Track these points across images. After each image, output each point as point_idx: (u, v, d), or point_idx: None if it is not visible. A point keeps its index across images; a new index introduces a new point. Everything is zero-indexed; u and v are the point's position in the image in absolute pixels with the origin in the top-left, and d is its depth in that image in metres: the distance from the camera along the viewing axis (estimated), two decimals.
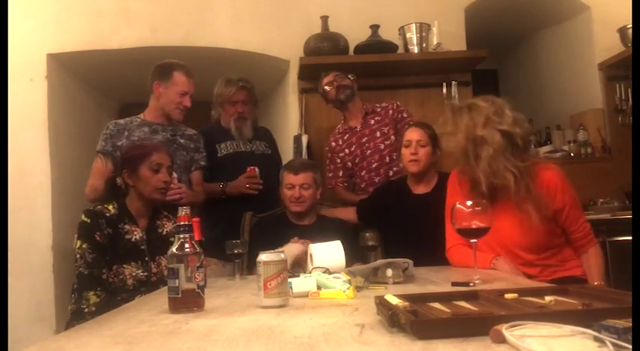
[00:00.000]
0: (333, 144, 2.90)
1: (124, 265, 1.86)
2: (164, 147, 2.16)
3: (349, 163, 2.84)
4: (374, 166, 2.75)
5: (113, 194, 2.01)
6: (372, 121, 2.82)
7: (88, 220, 1.86)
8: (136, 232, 1.93)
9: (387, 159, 2.72)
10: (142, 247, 1.92)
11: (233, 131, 2.74)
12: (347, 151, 2.84)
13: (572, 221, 1.82)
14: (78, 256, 1.82)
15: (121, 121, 2.46)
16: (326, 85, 2.83)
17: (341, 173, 2.87)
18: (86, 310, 1.73)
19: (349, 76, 2.83)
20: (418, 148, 2.28)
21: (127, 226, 1.92)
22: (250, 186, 2.62)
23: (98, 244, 1.83)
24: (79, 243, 1.84)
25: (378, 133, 2.77)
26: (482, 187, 1.73)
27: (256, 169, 2.64)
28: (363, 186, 2.77)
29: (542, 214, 1.73)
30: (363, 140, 2.79)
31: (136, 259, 1.89)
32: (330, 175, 2.90)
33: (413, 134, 2.32)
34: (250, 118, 2.78)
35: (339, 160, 2.87)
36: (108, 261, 1.84)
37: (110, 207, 1.93)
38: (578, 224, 1.82)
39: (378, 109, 2.85)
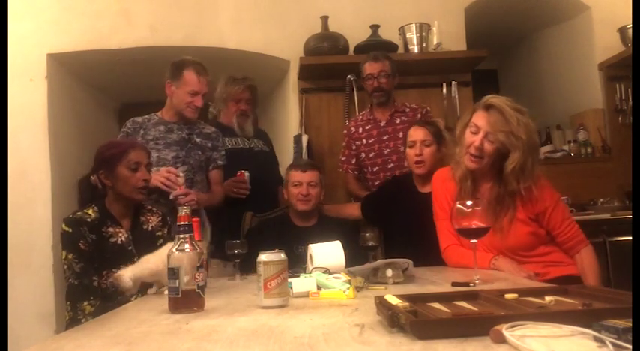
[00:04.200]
0: (353, 130, 2.86)
1: (114, 270, 1.79)
2: (141, 144, 2.11)
3: (363, 155, 2.80)
4: (390, 166, 2.71)
5: (91, 195, 1.94)
6: (398, 121, 2.78)
7: (70, 230, 1.80)
8: (120, 234, 1.88)
9: (406, 162, 2.65)
10: (129, 248, 1.87)
11: (235, 128, 2.76)
12: (365, 141, 2.80)
13: (556, 223, 1.81)
14: (65, 266, 1.78)
15: (139, 119, 2.44)
16: (367, 75, 2.75)
17: (354, 161, 2.84)
18: (83, 320, 1.69)
19: (394, 74, 2.75)
20: (423, 148, 2.26)
21: (110, 229, 1.86)
22: (237, 191, 2.61)
23: (84, 253, 1.78)
24: (64, 253, 1.78)
25: (400, 134, 2.70)
26: (468, 188, 1.80)
27: (245, 174, 2.63)
28: (377, 184, 2.73)
29: (529, 216, 1.79)
30: (384, 137, 2.75)
31: (124, 261, 1.82)
32: (343, 158, 2.88)
33: (417, 134, 2.30)
34: (251, 117, 2.82)
35: (354, 148, 2.84)
36: (97, 267, 1.80)
37: (90, 211, 1.86)
38: (563, 226, 1.81)
39: (407, 110, 2.81)
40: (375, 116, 2.82)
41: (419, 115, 2.79)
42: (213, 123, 2.81)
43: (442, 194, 1.95)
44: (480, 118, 1.75)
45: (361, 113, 2.93)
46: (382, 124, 2.79)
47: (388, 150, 2.74)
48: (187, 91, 2.37)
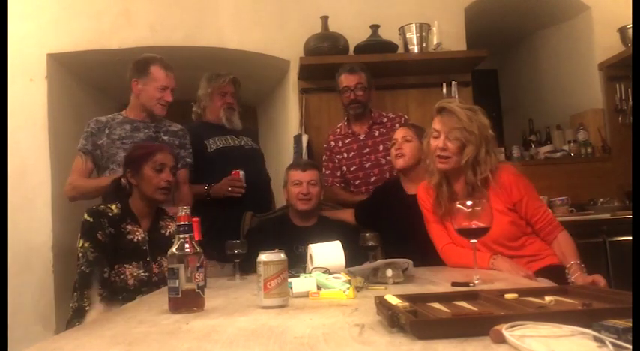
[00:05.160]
0: (332, 144, 2.86)
1: (125, 265, 1.87)
2: (168, 147, 2.16)
3: (344, 168, 2.80)
4: (372, 180, 2.70)
5: (117, 195, 2.01)
6: (377, 133, 2.76)
7: (91, 219, 1.87)
8: (138, 233, 1.94)
9: (387, 175, 2.67)
10: (144, 248, 1.92)
11: (224, 121, 2.75)
12: (345, 155, 2.79)
13: (533, 211, 1.89)
14: (80, 254, 1.84)
15: (103, 119, 2.43)
16: (344, 87, 2.75)
17: (339, 173, 2.84)
18: (87, 307, 1.74)
19: (370, 86, 2.74)
20: (403, 143, 2.28)
21: (129, 227, 1.93)
22: (233, 190, 2.59)
23: (100, 243, 1.84)
24: (81, 242, 1.85)
25: (381, 147, 2.70)
26: (444, 192, 1.92)
27: (240, 173, 2.61)
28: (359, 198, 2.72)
29: (506, 206, 1.86)
30: (365, 151, 2.74)
31: (137, 259, 1.90)
32: (327, 172, 2.86)
33: (398, 133, 2.34)
34: (237, 111, 2.82)
35: (336, 161, 2.84)
36: (109, 260, 1.85)
37: (113, 207, 1.94)
38: (539, 213, 1.89)
39: (385, 120, 2.79)
40: (353, 130, 2.81)
41: (397, 125, 2.73)
42: (198, 122, 2.81)
43: (427, 200, 2.03)
44: (436, 123, 1.91)
45: (338, 126, 2.91)
46: (361, 137, 2.77)
47: (369, 163, 2.72)
48: (157, 87, 2.38)
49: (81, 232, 1.88)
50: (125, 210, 1.96)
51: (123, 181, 2.03)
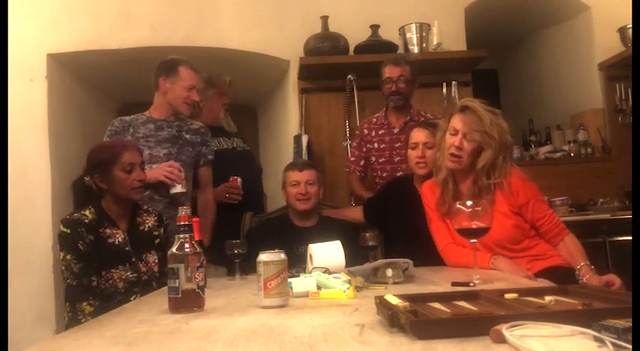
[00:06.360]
0: (365, 131, 2.84)
1: (112, 270, 1.83)
2: (133, 144, 2.10)
3: (373, 158, 2.79)
4: (398, 174, 2.68)
5: (86, 196, 1.94)
6: None
7: (68, 231, 1.80)
8: (117, 235, 1.88)
9: (405, 165, 2.67)
10: (127, 249, 1.88)
11: (224, 124, 2.79)
12: (376, 145, 2.78)
13: (539, 214, 1.88)
14: (63, 268, 1.78)
15: (127, 118, 2.44)
16: (386, 78, 2.72)
17: (362, 163, 2.83)
18: (83, 320, 1.69)
19: (413, 79, 2.72)
20: (425, 150, 2.24)
21: (107, 230, 1.87)
22: (230, 197, 2.60)
23: (83, 254, 1.78)
24: (62, 255, 1.79)
25: None
26: (449, 190, 1.92)
27: (238, 180, 2.63)
28: None
29: (511, 210, 1.86)
30: (396, 145, 2.72)
31: (122, 262, 1.85)
32: (352, 159, 2.88)
33: (419, 136, 2.28)
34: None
35: (365, 149, 2.83)
36: (96, 268, 1.81)
37: (87, 212, 1.86)
38: (545, 217, 1.89)
39: (422, 120, 2.75)
40: (389, 121, 2.79)
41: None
42: None
43: (432, 199, 2.02)
44: (457, 121, 1.88)
45: (375, 116, 2.88)
46: (395, 130, 2.75)
47: (399, 158, 2.70)
48: (184, 86, 2.39)
49: (60, 244, 1.81)
50: (100, 213, 1.88)
51: (87, 180, 1.94)
